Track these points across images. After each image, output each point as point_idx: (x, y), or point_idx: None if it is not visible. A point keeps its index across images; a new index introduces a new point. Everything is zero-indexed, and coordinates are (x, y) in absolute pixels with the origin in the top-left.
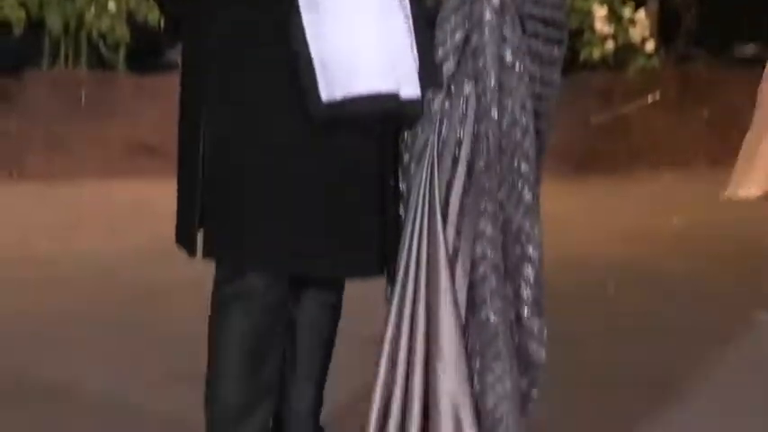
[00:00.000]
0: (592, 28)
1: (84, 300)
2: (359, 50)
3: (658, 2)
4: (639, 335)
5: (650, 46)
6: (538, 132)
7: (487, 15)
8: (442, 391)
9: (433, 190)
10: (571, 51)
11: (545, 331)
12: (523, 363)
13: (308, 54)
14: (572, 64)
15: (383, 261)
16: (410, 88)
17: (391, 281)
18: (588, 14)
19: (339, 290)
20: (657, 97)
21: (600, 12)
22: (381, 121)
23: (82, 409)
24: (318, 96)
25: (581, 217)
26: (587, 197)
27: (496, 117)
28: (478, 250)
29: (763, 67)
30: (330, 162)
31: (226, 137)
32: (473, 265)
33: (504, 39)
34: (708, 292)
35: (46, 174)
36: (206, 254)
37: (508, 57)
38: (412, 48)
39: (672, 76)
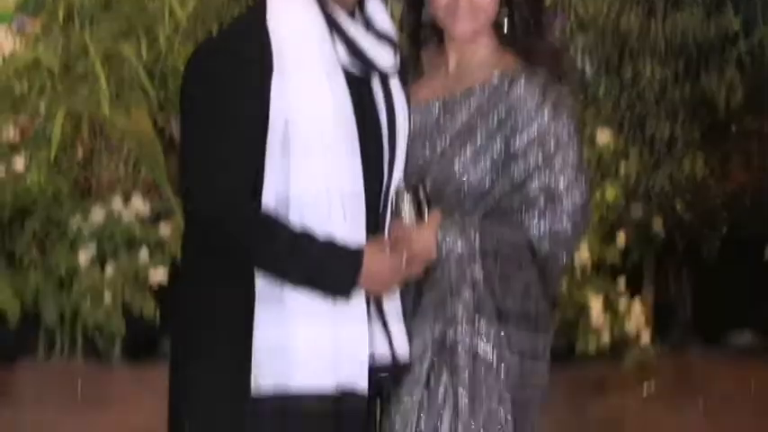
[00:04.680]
0: (587, 320)
1: None
2: (298, 343)
3: (653, 291)
4: None
5: (646, 337)
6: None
7: (461, 312)
8: None
9: None
10: (567, 343)
11: None
12: None
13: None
14: (567, 356)
15: None
16: (356, 382)
17: None
18: (584, 307)
19: None
20: (653, 388)
21: (596, 304)
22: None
23: None
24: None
25: None
26: None
27: (473, 411)
28: None
29: (760, 357)
30: None
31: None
32: None
33: (479, 334)
34: None
35: None
36: None
37: (483, 352)
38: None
39: (667, 366)
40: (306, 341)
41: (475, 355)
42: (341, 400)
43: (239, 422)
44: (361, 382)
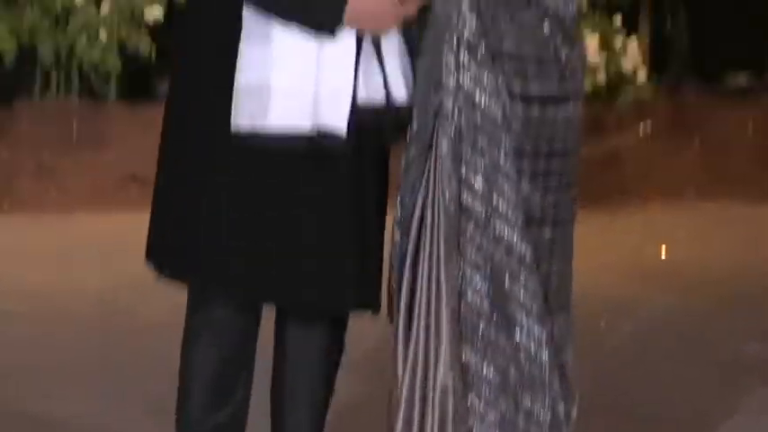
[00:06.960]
0: None
1: (75, 333)
2: (279, 82)
3: (649, 29)
4: (631, 370)
5: (642, 76)
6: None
7: (452, 56)
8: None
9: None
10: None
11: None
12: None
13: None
14: None
15: (359, 295)
16: (334, 122)
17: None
18: None
19: (335, 330)
20: (649, 128)
21: (592, 42)
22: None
23: None
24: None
25: None
26: (576, 229)
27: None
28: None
29: (755, 98)
30: (290, 191)
31: (179, 160)
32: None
33: (473, 78)
34: (699, 327)
35: (37, 204)
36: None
37: (478, 99)
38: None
39: (663, 106)
40: (287, 80)
41: (473, 103)
42: (318, 140)
43: (217, 158)
44: (339, 124)
